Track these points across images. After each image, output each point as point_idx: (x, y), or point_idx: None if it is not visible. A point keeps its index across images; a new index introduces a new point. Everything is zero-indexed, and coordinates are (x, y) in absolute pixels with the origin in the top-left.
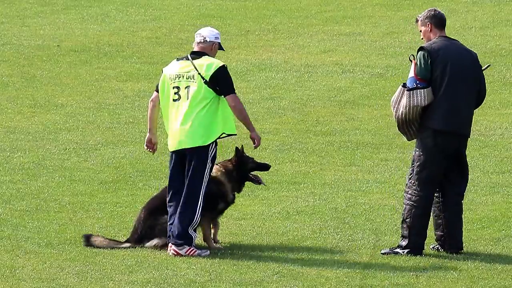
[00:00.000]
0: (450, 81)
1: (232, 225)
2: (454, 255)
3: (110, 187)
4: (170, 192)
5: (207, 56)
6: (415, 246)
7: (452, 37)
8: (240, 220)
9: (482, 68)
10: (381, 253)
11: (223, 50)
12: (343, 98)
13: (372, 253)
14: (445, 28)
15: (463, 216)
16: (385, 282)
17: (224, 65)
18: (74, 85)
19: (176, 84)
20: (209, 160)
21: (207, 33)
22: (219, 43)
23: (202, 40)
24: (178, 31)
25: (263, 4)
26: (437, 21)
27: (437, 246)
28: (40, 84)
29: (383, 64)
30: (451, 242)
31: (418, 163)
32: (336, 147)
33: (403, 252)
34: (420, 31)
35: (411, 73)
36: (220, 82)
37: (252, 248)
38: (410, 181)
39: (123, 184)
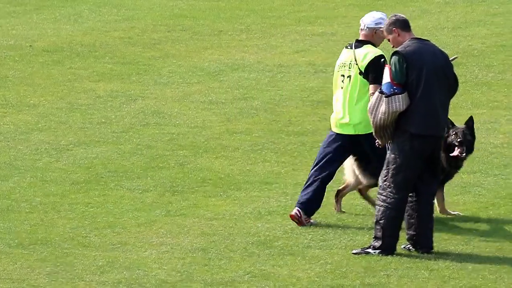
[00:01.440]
0: (426, 84)
1: (204, 225)
2: (425, 254)
3: (82, 188)
4: (317, 162)
5: (369, 45)
6: (388, 247)
7: (424, 38)
8: (211, 220)
9: (450, 59)
10: (353, 253)
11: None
12: (315, 98)
13: (343, 253)
14: (411, 29)
15: (434, 216)
16: (356, 282)
17: (380, 55)
18: (46, 85)
19: (342, 72)
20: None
21: (368, 19)
22: (388, 27)
23: (363, 27)
24: (151, 31)
25: (236, 4)
26: (402, 23)
27: (409, 246)
28: (12, 84)
29: None
30: (423, 242)
31: (393, 165)
32: (308, 147)
33: (375, 252)
34: (389, 40)
35: (387, 79)
36: (371, 71)
37: (223, 248)
38: (385, 183)
39: (95, 185)
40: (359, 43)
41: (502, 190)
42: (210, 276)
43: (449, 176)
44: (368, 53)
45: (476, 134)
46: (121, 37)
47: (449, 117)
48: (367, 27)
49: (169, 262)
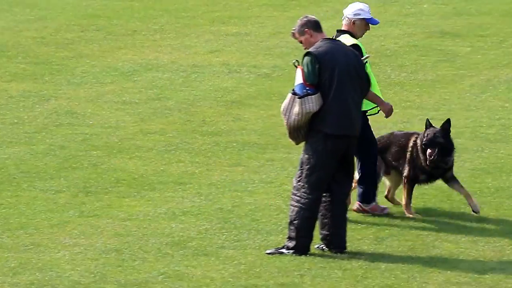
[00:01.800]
0: (339, 85)
1: (118, 226)
2: (339, 254)
3: None
4: None
5: (346, 35)
6: (302, 247)
7: (336, 39)
8: (125, 221)
9: (362, 58)
10: (266, 253)
11: (373, 24)
12: (229, 98)
13: (257, 253)
14: (323, 29)
15: (347, 216)
16: (270, 282)
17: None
18: None
19: None
20: None
21: (347, 10)
22: (362, 18)
23: (343, 18)
24: (64, 31)
25: (150, 4)
26: (313, 24)
27: (322, 245)
28: None
29: (269, 64)
30: (336, 242)
31: (307, 166)
32: (222, 147)
33: (289, 252)
34: (301, 42)
35: (299, 80)
36: None
37: (137, 249)
38: (299, 183)
39: (7, 186)
40: (338, 33)
41: (414, 189)
42: (124, 277)
43: (432, 176)
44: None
45: (451, 137)
46: (34, 37)
47: (428, 117)
48: (346, 17)
49: (83, 263)
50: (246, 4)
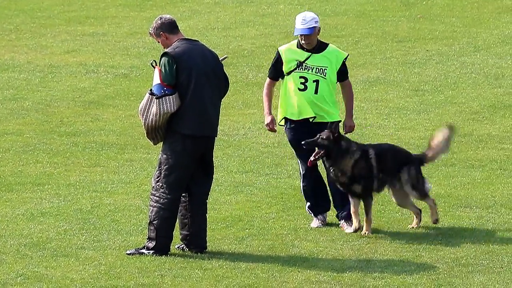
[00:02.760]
0: (196, 85)
1: None
2: (199, 254)
3: None
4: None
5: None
6: (162, 247)
7: (194, 38)
8: None
9: (220, 59)
10: (127, 254)
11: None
12: (87, 98)
13: (117, 253)
14: (181, 30)
15: (207, 216)
16: (130, 283)
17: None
18: None
19: None
20: None
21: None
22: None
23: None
24: None
25: (5, 3)
26: (168, 27)
27: (182, 245)
28: None
29: (127, 64)
30: (196, 242)
31: (166, 166)
32: (81, 148)
33: (149, 252)
34: (158, 42)
35: (157, 80)
36: None
37: None
38: (158, 184)
39: None
40: None
41: (274, 189)
42: None
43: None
44: None
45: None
46: None
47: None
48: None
49: None
50: (103, 4)
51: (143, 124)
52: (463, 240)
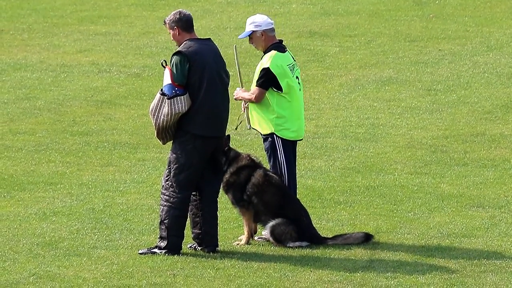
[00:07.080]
0: (208, 86)
1: None
2: (211, 253)
3: None
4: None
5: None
6: (173, 247)
7: (206, 37)
8: None
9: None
10: (139, 253)
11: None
12: (100, 98)
13: (130, 253)
14: (194, 29)
15: (220, 215)
16: (142, 282)
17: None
18: None
19: (296, 74)
20: None
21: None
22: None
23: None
24: None
25: (17, 3)
26: (184, 24)
27: (194, 245)
28: None
29: (139, 64)
30: (208, 240)
31: (175, 165)
32: (93, 147)
33: (161, 252)
34: (170, 33)
35: (168, 80)
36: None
37: (8, 250)
38: (168, 182)
39: None
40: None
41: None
42: None
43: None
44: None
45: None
46: None
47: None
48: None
49: None
50: (115, 4)
51: (154, 124)
52: (475, 239)
